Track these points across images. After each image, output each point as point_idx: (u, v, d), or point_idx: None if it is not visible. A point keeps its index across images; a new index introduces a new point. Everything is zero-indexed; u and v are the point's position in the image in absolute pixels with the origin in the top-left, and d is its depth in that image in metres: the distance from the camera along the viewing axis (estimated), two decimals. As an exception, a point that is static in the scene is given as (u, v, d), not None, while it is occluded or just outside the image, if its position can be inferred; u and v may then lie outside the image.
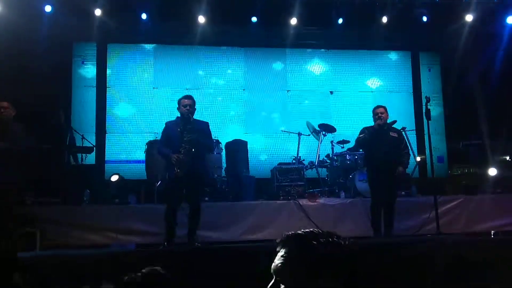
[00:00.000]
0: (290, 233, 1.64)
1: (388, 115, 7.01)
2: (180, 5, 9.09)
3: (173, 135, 6.18)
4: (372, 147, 7.02)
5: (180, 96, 6.37)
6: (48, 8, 8.71)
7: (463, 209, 7.79)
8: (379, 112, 6.95)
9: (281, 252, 1.62)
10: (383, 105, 7.16)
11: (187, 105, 6.17)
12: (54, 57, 9.09)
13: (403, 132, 7.53)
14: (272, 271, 1.63)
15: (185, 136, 6.01)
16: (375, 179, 6.97)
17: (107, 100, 9.86)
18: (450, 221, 7.55)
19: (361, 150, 8.05)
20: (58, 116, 8.48)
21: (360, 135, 7.07)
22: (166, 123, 6.44)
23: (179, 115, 6.30)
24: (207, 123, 6.51)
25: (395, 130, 7.17)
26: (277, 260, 1.62)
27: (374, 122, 6.99)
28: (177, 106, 6.28)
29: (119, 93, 9.99)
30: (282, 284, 1.58)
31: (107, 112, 9.83)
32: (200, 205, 6.30)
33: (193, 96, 6.40)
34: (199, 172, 6.20)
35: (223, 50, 10.46)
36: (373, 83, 10.86)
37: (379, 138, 6.87)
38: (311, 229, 1.63)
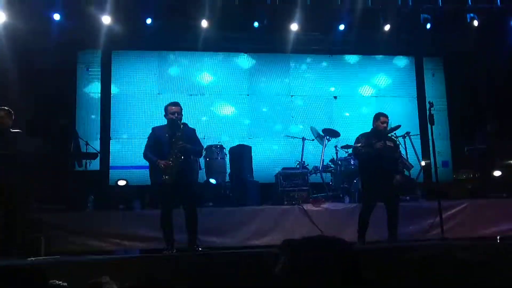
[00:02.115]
0: (288, 239, 1.67)
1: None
2: (184, 11, 9.11)
3: (161, 141, 6.21)
4: (369, 157, 6.92)
5: (168, 103, 6.40)
6: (56, 17, 8.64)
7: (468, 214, 7.74)
8: (384, 122, 6.80)
9: (281, 258, 1.65)
10: (385, 113, 7.07)
11: (175, 112, 6.20)
12: (59, 65, 9.17)
13: (397, 140, 7.38)
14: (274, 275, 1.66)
15: (175, 143, 6.04)
16: (370, 188, 6.90)
17: (111, 107, 9.90)
18: (455, 226, 7.50)
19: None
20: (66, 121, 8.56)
21: (357, 144, 6.97)
22: (153, 129, 6.43)
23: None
24: (194, 129, 6.53)
25: (391, 139, 7.08)
26: (278, 265, 1.65)
27: (374, 126, 6.89)
28: (164, 113, 6.31)
29: (123, 99, 10.03)
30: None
31: (111, 118, 9.87)
32: (195, 209, 6.26)
33: (179, 103, 6.41)
34: (188, 177, 6.26)
35: (227, 55, 10.49)
36: (377, 88, 10.84)
37: (377, 148, 6.77)
38: (312, 236, 1.66)
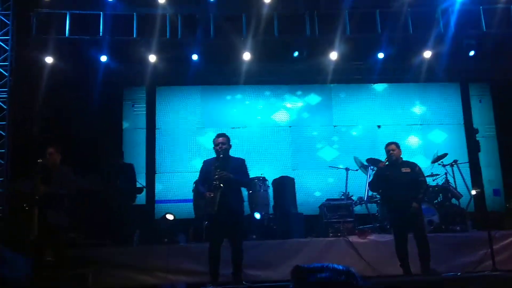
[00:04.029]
0: (297, 265, 1.69)
1: (400, 151, 6.84)
2: (225, 46, 9.27)
3: (209, 173, 6.25)
4: (385, 187, 6.91)
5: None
6: (103, 58, 8.93)
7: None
8: (390, 149, 6.82)
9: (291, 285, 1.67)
10: (395, 141, 7.01)
11: (219, 143, 6.27)
12: (105, 102, 9.49)
13: (417, 166, 6.95)
14: None
15: (216, 174, 6.05)
16: (394, 219, 6.86)
17: (156, 141, 10.12)
18: (508, 258, 7.17)
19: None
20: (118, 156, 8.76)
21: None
22: (204, 161, 6.54)
23: None
24: (243, 159, 6.52)
25: (408, 164, 6.88)
26: None
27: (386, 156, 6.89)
28: (213, 145, 6.37)
29: (167, 133, 10.23)
30: None
31: (156, 153, 10.06)
32: (240, 242, 6.23)
33: (224, 133, 6.47)
34: (233, 208, 6.15)
35: (268, 88, 10.58)
36: (422, 115, 10.64)
37: (391, 177, 6.72)
38: (321, 264, 1.65)
